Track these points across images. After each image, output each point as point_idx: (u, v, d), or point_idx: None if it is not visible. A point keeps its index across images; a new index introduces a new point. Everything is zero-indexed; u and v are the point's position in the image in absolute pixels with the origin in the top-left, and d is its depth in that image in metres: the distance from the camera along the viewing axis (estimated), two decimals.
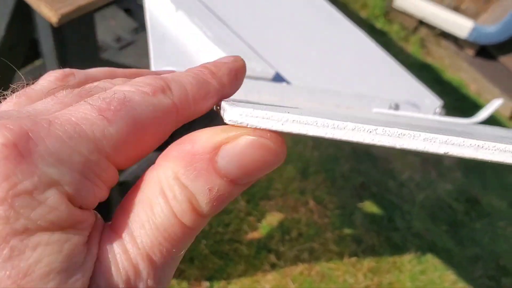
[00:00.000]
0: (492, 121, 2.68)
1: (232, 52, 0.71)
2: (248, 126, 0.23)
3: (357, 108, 0.72)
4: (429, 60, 2.87)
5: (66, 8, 0.67)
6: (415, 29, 2.98)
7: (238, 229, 1.70)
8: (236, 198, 1.76)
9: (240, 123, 0.23)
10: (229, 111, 0.23)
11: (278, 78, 0.75)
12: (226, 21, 0.78)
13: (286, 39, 0.84)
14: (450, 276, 1.88)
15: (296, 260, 1.70)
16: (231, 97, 0.30)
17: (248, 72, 0.73)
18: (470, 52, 2.96)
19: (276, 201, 1.83)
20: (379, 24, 2.93)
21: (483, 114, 0.61)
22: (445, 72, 2.83)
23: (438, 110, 0.72)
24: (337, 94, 0.73)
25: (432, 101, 0.86)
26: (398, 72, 0.90)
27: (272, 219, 1.78)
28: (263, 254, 1.67)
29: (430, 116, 0.67)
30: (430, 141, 0.22)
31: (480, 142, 0.21)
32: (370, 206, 2.00)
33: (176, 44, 0.71)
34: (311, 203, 1.89)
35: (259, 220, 1.75)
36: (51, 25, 0.91)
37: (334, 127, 0.22)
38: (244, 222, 1.72)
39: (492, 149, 0.21)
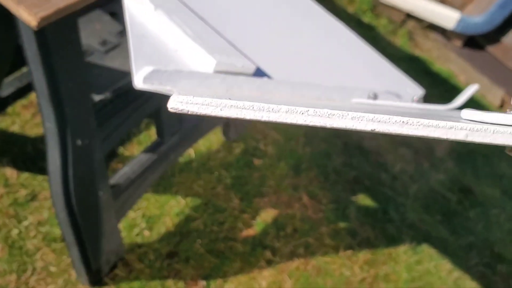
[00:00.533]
0: (483, 110, 2.70)
1: (211, 49, 0.72)
2: (189, 112, 0.24)
3: (338, 99, 0.73)
4: (417, 52, 2.88)
5: (45, 12, 0.67)
6: (403, 22, 3.00)
7: (233, 227, 1.70)
8: (230, 196, 1.78)
9: (181, 110, 0.24)
10: (171, 99, 0.24)
11: (259, 73, 0.76)
12: (205, 18, 0.78)
13: (266, 34, 0.85)
14: (445, 265, 1.90)
15: (292, 255, 1.71)
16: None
17: (228, 68, 0.75)
18: (458, 43, 2.98)
19: (270, 197, 1.84)
20: (367, 19, 2.94)
21: (460, 99, 0.62)
22: (434, 63, 2.85)
23: (415, 98, 0.73)
24: (318, 87, 0.74)
25: (413, 90, 0.87)
26: (380, 62, 0.91)
27: (267, 215, 1.79)
28: (259, 251, 1.68)
29: (409, 104, 0.68)
30: (358, 119, 0.23)
31: (405, 119, 0.22)
32: (363, 200, 2.02)
33: (156, 43, 0.71)
34: (305, 199, 1.90)
35: (253, 217, 1.76)
36: (34, 31, 0.91)
37: (269, 110, 0.23)
38: (239, 220, 1.73)
39: (416, 125, 0.22)
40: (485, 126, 0.29)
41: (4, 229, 1.42)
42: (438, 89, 2.65)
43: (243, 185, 1.83)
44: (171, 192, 1.70)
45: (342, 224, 1.88)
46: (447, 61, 2.91)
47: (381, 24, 2.93)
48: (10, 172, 1.56)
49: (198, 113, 0.24)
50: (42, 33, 0.91)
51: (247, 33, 0.82)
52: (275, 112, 0.23)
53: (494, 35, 2.92)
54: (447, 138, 0.28)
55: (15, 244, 1.41)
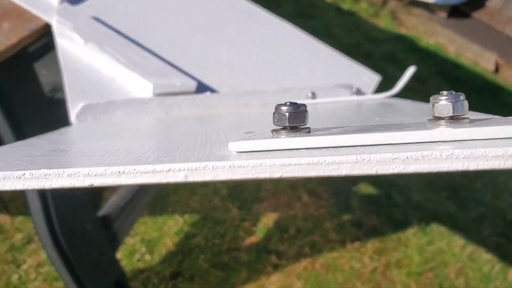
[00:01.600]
0: (477, 77, 2.65)
1: (147, 73, 0.71)
2: None
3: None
4: (403, 30, 2.85)
5: None
6: (384, 3, 2.97)
7: (235, 237, 1.69)
8: (228, 206, 1.76)
9: None
10: None
11: (202, 88, 0.75)
12: (141, 42, 0.77)
13: (208, 46, 0.84)
14: (458, 241, 1.86)
15: (298, 256, 1.69)
16: None
17: (168, 89, 0.74)
18: (443, 14, 2.93)
19: (269, 201, 1.83)
20: (347, 6, 2.91)
21: (398, 85, 0.61)
22: (420, 39, 2.81)
23: (354, 89, 0.71)
24: (263, 93, 0.72)
25: (369, 78, 0.85)
26: (332, 56, 0.90)
27: (268, 220, 1.77)
28: (264, 257, 1.66)
29: (349, 98, 0.67)
30: (74, 176, 0.22)
31: (121, 168, 0.22)
32: (365, 188, 1.99)
33: (91, 76, 0.71)
34: (305, 197, 1.88)
35: (254, 224, 1.74)
36: None
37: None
38: (240, 229, 1.72)
39: (133, 173, 0.22)
40: (203, 163, 0.28)
41: (4, 276, 1.43)
42: (427, 64, 2.62)
43: (240, 193, 1.82)
44: (167, 212, 1.70)
45: (346, 217, 1.86)
46: (434, 34, 2.87)
47: (362, 9, 2.90)
48: (3, 218, 1.56)
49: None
50: None
51: (187, 49, 0.81)
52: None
53: (478, 1, 2.88)
54: (168, 182, 0.27)
55: None
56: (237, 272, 1.61)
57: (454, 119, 0.33)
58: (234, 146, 0.32)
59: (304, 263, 1.68)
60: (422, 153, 0.28)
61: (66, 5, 0.75)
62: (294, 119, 0.33)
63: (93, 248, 1.30)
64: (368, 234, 1.82)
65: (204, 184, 1.81)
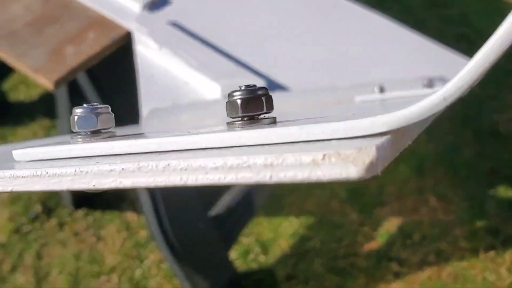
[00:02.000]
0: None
1: (217, 74, 0.71)
2: None
3: (359, 97, 0.67)
4: None
5: (58, 74, 0.73)
6: None
7: (353, 242, 1.63)
8: (346, 210, 1.71)
9: None
10: None
11: (273, 87, 0.72)
12: (215, 42, 0.78)
13: (284, 44, 0.81)
14: None
15: (422, 264, 1.58)
16: None
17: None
18: None
19: (392, 206, 1.73)
20: None
21: None
22: None
23: (426, 82, 0.63)
24: (336, 90, 0.68)
25: None
26: (427, 47, 0.81)
27: (390, 225, 1.68)
28: (384, 264, 1.58)
29: (417, 91, 0.59)
30: None
31: None
32: (504, 192, 1.79)
33: (164, 80, 0.73)
34: (433, 201, 1.75)
35: (375, 229, 1.66)
36: (88, 76, 1.00)
37: None
38: (359, 234, 1.65)
39: None
40: None
41: (129, 270, 1.54)
42: None
43: (360, 196, 1.75)
44: (283, 214, 1.70)
45: (479, 223, 1.69)
46: None
47: None
48: (131, 217, 1.69)
49: None
50: (96, 76, 0.99)
51: (263, 48, 0.79)
52: None
53: None
54: None
55: (139, 284, 1.51)
56: (355, 278, 1.54)
57: (255, 119, 0.27)
58: (16, 155, 0.30)
59: (428, 271, 1.56)
60: (138, 164, 0.23)
61: (145, 12, 0.79)
62: (83, 122, 0.30)
63: (205, 247, 1.34)
64: (507, 243, 1.63)
65: (321, 186, 1.78)
